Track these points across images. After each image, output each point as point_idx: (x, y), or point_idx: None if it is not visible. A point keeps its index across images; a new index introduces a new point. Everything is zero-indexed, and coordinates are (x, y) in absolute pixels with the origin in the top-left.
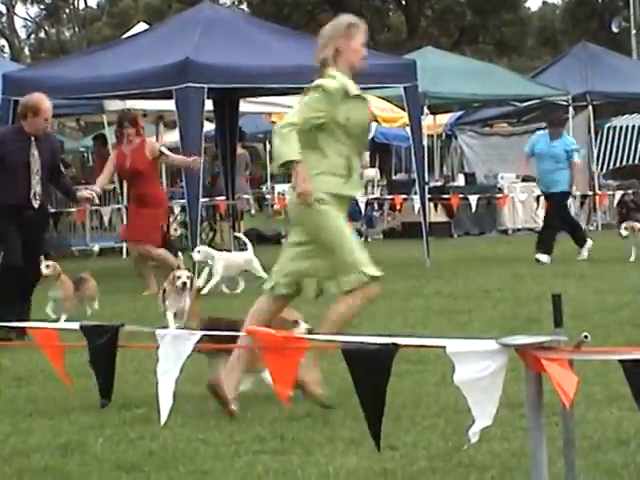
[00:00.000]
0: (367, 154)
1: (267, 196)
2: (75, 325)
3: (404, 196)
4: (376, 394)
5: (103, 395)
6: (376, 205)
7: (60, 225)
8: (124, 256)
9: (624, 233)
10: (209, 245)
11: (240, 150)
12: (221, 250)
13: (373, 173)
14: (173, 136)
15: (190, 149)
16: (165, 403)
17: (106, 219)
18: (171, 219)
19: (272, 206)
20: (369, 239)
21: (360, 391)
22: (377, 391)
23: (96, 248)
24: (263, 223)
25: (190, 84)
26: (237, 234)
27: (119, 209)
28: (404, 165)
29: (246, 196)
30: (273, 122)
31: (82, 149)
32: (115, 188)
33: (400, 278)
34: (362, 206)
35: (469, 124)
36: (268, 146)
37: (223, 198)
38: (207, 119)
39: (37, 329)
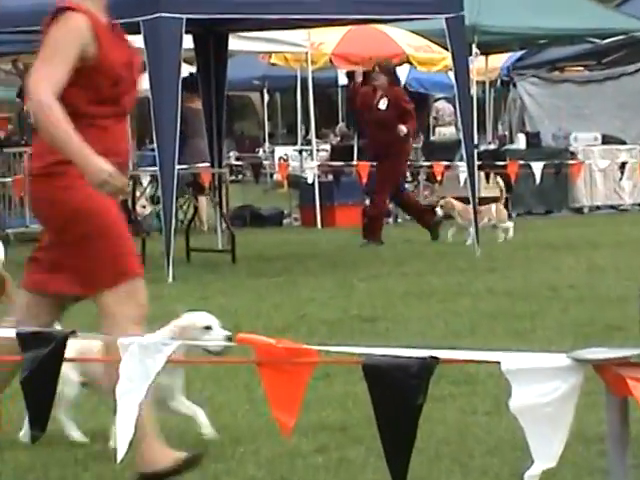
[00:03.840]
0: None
1: (264, 162)
2: (9, 332)
3: (446, 163)
4: (406, 424)
5: (35, 425)
6: (409, 175)
7: None
8: None
9: None
10: (188, 227)
11: (198, 105)
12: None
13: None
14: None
15: (163, 99)
16: (124, 434)
17: None
18: (137, 192)
19: (271, 175)
20: (399, 219)
21: (385, 420)
22: (408, 420)
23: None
24: (260, 198)
25: (163, 14)
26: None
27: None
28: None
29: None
30: (273, 64)
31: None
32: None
33: (442, 271)
34: None
35: (532, 68)
36: (266, 96)
37: (206, 165)
38: (186, 60)
39: None
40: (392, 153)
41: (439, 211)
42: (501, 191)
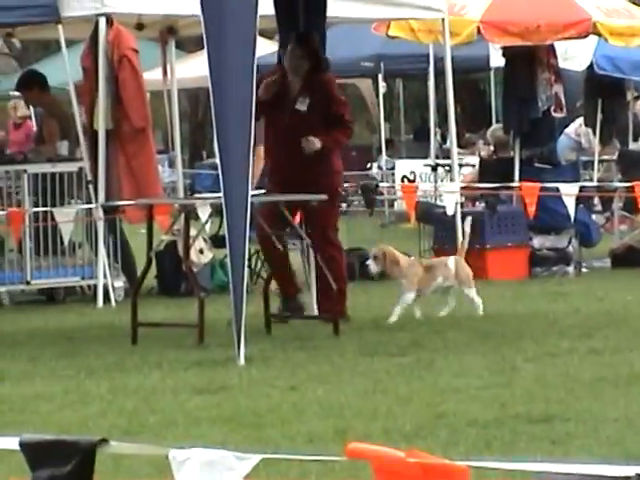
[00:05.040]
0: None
1: (381, 184)
2: (11, 441)
3: None
4: None
5: None
6: (597, 202)
7: None
8: (100, 303)
9: None
10: (267, 282)
11: None
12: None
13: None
14: (194, 67)
15: (229, 92)
16: None
17: (65, 233)
18: (192, 231)
19: (391, 204)
20: (584, 268)
21: None
22: None
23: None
24: (375, 237)
25: None
26: None
27: (90, 212)
28: None
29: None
30: (393, 38)
31: (16, 94)
32: (83, 170)
33: None
34: (570, 204)
35: None
36: (383, 85)
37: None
38: (263, 34)
39: None
40: (320, 184)
41: (372, 265)
42: (463, 235)
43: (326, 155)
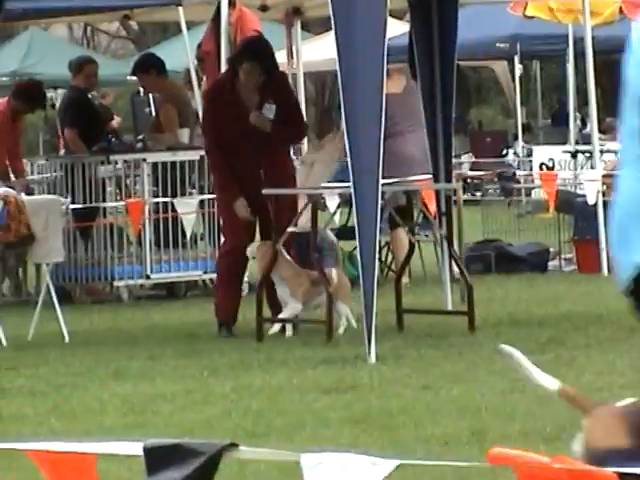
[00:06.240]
0: None
1: (518, 172)
2: (134, 446)
3: None
4: None
5: None
6: None
7: (93, 237)
8: None
9: None
10: (399, 275)
11: (398, 88)
12: None
13: None
14: (320, 49)
15: (358, 75)
16: None
17: (187, 225)
18: (320, 223)
19: (528, 193)
20: None
21: None
22: None
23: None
24: (511, 228)
25: None
26: None
27: (212, 203)
28: None
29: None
30: (530, 17)
31: (135, 78)
32: (204, 159)
33: None
34: None
35: None
36: (519, 67)
37: (426, 178)
38: (393, 14)
39: (47, 453)
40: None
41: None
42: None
43: (287, 151)
